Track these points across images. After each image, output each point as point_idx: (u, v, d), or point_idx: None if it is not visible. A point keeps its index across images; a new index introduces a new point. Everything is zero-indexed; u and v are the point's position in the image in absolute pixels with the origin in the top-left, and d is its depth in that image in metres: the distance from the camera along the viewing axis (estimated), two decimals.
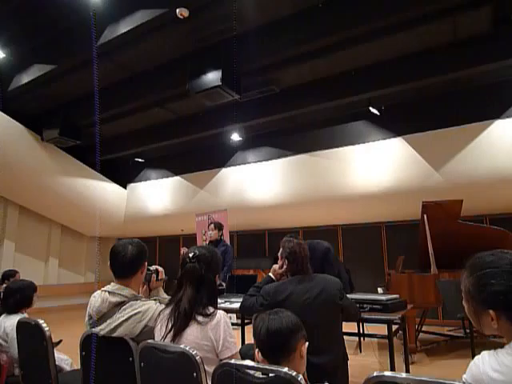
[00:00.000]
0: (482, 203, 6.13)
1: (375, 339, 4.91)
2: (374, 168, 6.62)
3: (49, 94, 6.71)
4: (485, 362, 1.01)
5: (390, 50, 5.20)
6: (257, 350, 1.46)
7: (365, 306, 2.89)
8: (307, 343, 1.47)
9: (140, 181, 9.89)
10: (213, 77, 5.09)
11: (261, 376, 1.28)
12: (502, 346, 1.05)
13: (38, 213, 9.26)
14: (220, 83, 5.02)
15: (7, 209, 8.78)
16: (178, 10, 4.37)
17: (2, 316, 2.67)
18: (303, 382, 1.17)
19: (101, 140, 8.48)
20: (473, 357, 1.06)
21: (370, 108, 6.36)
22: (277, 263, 2.60)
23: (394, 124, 6.60)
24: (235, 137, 7.92)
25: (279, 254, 2.55)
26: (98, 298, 1.93)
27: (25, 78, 6.06)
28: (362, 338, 4.89)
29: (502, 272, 1.06)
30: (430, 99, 6.28)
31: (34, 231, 9.31)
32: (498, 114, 5.76)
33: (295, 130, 7.58)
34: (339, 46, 4.92)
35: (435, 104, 6.29)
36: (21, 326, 2.32)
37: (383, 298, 2.97)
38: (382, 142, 6.66)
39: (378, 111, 6.50)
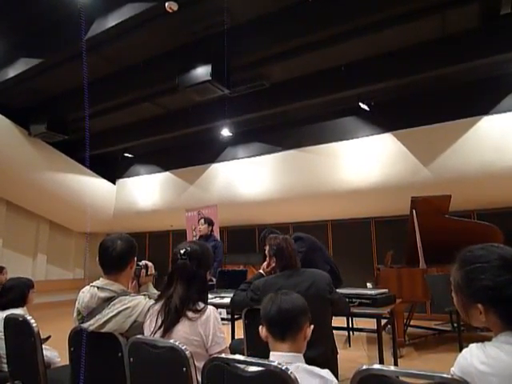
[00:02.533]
0: (470, 198, 6.21)
1: (364, 333, 4.96)
2: (364, 163, 6.66)
3: (36, 89, 6.59)
4: (472, 354, 1.03)
5: (379, 46, 5.22)
6: (261, 326, 1.52)
7: (354, 300, 2.91)
8: (312, 326, 1.51)
9: (129, 176, 9.81)
10: (202, 71, 5.05)
11: (250, 370, 1.29)
12: (489, 339, 1.07)
13: (26, 208, 9.14)
14: (210, 78, 4.98)
15: None
16: (166, 4, 4.32)
17: None
18: (293, 375, 1.18)
19: (89, 135, 8.37)
20: (460, 351, 1.07)
21: (360, 104, 6.39)
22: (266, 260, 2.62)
23: (384, 120, 6.64)
24: (225, 132, 7.89)
25: (266, 252, 2.56)
26: (86, 294, 1.92)
27: (11, 72, 5.95)
28: (351, 332, 4.93)
29: (491, 267, 1.07)
30: (419, 95, 6.33)
31: (21, 227, 9.19)
32: (486, 110, 5.83)
33: (285, 126, 7.58)
34: (329, 41, 4.92)
35: (424, 100, 6.34)
36: (8, 321, 2.29)
37: (372, 292, 3.00)
38: (372, 137, 6.70)
39: (368, 107, 6.53)
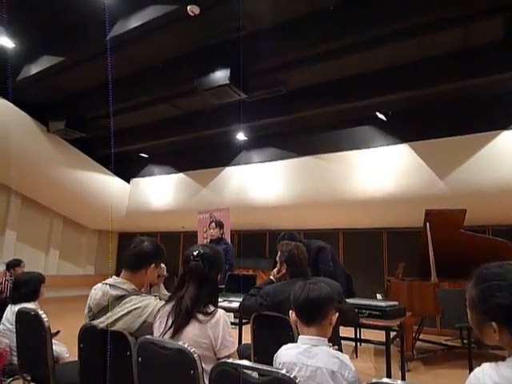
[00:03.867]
0: (486, 214, 6.11)
1: (372, 345, 4.90)
2: (378, 173, 6.61)
3: (56, 86, 6.72)
4: (485, 373, 1.01)
5: (400, 56, 5.19)
6: (291, 311, 1.65)
7: (364, 311, 2.89)
8: (337, 314, 1.63)
9: (143, 176, 9.91)
10: (221, 75, 5.09)
11: (258, 377, 1.29)
12: (501, 358, 1.04)
13: (41, 203, 9.29)
14: (228, 82, 5.02)
15: (10, 198, 8.81)
16: (188, 7, 4.37)
17: (10, 305, 2.70)
18: None
19: (106, 134, 8.49)
20: (470, 367, 1.06)
21: (377, 113, 6.35)
22: (276, 266, 2.62)
23: (400, 130, 6.58)
24: (240, 136, 7.92)
25: (277, 258, 2.56)
26: (98, 291, 1.94)
27: (33, 69, 6.07)
28: (358, 343, 4.88)
29: (507, 285, 1.05)
30: (437, 107, 6.26)
31: (36, 221, 9.34)
32: (505, 124, 5.73)
33: (300, 132, 7.57)
34: (349, 49, 4.91)
35: (442, 112, 6.27)
36: (20, 315, 2.33)
37: (382, 304, 2.96)
38: (388, 147, 6.65)
39: (385, 117, 6.49)
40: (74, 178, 8.53)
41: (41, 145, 7.73)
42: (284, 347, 1.59)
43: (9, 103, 6.94)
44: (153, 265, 2.01)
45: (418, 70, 5.24)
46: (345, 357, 1.50)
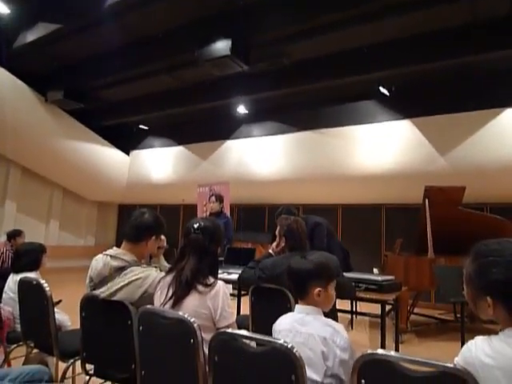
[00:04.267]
0: (485, 191, 6.11)
1: (367, 317, 5.01)
2: (379, 149, 6.58)
3: (54, 55, 6.58)
4: (478, 347, 1.03)
5: (405, 29, 5.06)
6: None
7: (360, 285, 2.94)
8: (332, 283, 1.64)
9: (143, 148, 9.85)
10: (222, 46, 4.98)
11: (257, 346, 1.32)
12: (494, 332, 1.07)
13: (41, 174, 9.27)
14: (229, 53, 4.91)
15: (10, 169, 8.78)
16: None
17: (12, 274, 2.74)
18: (298, 354, 1.20)
19: (105, 105, 8.39)
20: (462, 341, 1.08)
21: (380, 88, 6.25)
22: (275, 239, 2.64)
23: (403, 106, 6.51)
24: (241, 109, 7.83)
25: (277, 232, 2.57)
26: (99, 262, 1.96)
27: (30, 37, 5.93)
28: (354, 316, 4.99)
29: (503, 261, 1.07)
30: (441, 82, 6.16)
31: (36, 192, 9.35)
32: (509, 102, 5.66)
33: (302, 106, 7.48)
34: (353, 21, 4.79)
35: (446, 88, 6.17)
36: (22, 284, 2.37)
37: (379, 278, 3.01)
38: (389, 123, 6.59)
39: (388, 92, 6.40)
40: (72, 149, 8.48)
41: (39, 115, 7.65)
42: (282, 317, 1.63)
43: (5, 71, 6.82)
44: (153, 237, 2.03)
45: (423, 43, 5.12)
46: (338, 325, 1.52)
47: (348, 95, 6.94)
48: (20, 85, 7.18)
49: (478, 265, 1.12)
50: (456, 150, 5.94)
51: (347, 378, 1.39)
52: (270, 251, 2.71)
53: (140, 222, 1.97)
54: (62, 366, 2.24)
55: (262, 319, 2.34)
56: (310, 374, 1.37)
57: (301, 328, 1.50)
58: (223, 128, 8.47)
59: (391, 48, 5.33)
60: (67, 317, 2.80)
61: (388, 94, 6.42)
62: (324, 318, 1.56)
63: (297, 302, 1.65)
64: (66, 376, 2.19)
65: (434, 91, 6.28)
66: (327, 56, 5.80)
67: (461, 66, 5.55)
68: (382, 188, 6.82)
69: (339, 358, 1.43)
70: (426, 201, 4.84)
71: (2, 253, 4.88)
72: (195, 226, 1.78)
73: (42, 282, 2.21)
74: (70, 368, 2.22)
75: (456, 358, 1.07)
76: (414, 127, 6.33)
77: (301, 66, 6.02)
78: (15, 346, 2.49)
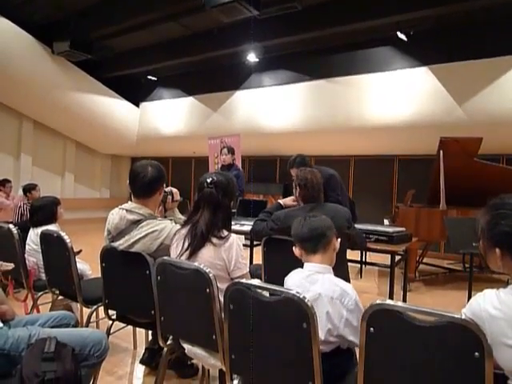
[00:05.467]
0: (502, 142, 5.95)
1: (376, 267, 5.13)
2: (395, 98, 6.37)
3: (58, 3, 6.34)
4: (486, 299, 1.07)
5: None
6: (294, 247, 1.68)
7: (371, 236, 2.98)
8: (339, 239, 1.69)
9: (152, 100, 9.71)
10: None
11: (270, 296, 1.38)
12: (500, 282, 1.10)
13: (52, 128, 9.29)
14: None
15: (22, 123, 8.80)
16: None
17: (31, 228, 2.84)
18: (309, 303, 1.26)
19: (112, 55, 8.18)
20: (469, 290, 1.11)
21: (398, 33, 5.94)
22: (287, 190, 2.66)
23: (421, 52, 6.20)
24: (251, 57, 7.57)
25: (293, 183, 2.57)
26: (115, 216, 2.02)
27: None
28: (363, 266, 5.10)
29: None
30: (462, 27, 5.82)
31: (49, 146, 9.43)
32: None
33: (315, 54, 7.20)
34: None
35: (467, 32, 5.83)
36: (44, 237, 2.47)
37: (389, 229, 3.05)
38: (406, 70, 6.33)
39: (406, 37, 6.07)
40: (81, 101, 8.41)
41: (46, 67, 7.52)
42: (293, 271, 1.67)
43: (11, 23, 6.63)
44: (163, 184, 2.09)
45: None
46: (347, 285, 1.54)
47: (363, 41, 6.62)
48: (26, 36, 7.00)
49: (490, 217, 1.14)
50: (474, 100, 5.72)
51: (355, 339, 1.43)
52: (280, 201, 2.74)
53: (150, 178, 1.99)
54: (85, 311, 2.39)
55: (275, 269, 2.42)
56: None
57: (309, 286, 1.53)
58: (233, 77, 8.25)
59: None
60: (87, 265, 2.93)
61: (406, 39, 6.10)
62: (334, 277, 1.58)
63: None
64: (91, 320, 2.34)
65: (453, 36, 5.95)
66: None
67: (482, 9, 5.21)
68: (396, 139, 6.69)
69: (345, 319, 1.46)
70: (441, 152, 4.74)
71: (20, 206, 5.03)
72: (208, 180, 1.80)
73: (63, 234, 2.30)
74: (94, 313, 2.36)
75: (463, 310, 1.11)
76: (431, 75, 6.07)
77: (314, 10, 5.71)
78: (42, 293, 2.65)
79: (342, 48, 6.89)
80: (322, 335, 1.42)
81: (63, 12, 6.63)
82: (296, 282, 1.58)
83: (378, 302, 1.19)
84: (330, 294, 1.48)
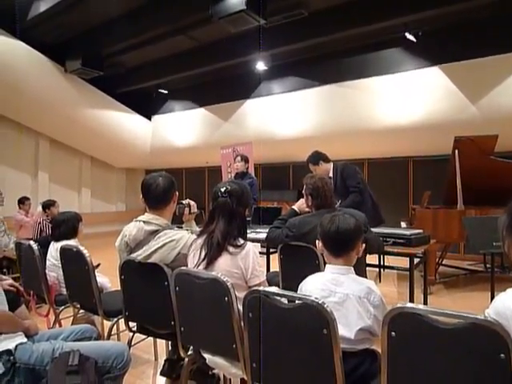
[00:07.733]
0: None
1: (394, 271, 5.06)
2: (406, 99, 6.32)
3: (68, 23, 6.51)
4: (509, 297, 1.05)
5: None
6: (318, 241, 1.69)
7: (388, 239, 2.95)
8: (364, 244, 1.68)
9: (164, 112, 9.85)
10: (237, 0, 4.79)
11: (289, 302, 1.37)
12: None
13: (68, 145, 9.49)
14: (244, 7, 4.76)
15: (39, 141, 9.03)
16: None
17: (52, 242, 2.89)
18: (329, 309, 1.25)
19: (123, 71, 8.34)
20: (492, 291, 1.09)
21: (406, 34, 5.91)
22: (301, 197, 2.66)
23: (431, 52, 6.15)
24: (260, 66, 7.63)
25: (303, 192, 2.58)
26: (133, 228, 2.04)
27: (43, 6, 5.88)
28: (382, 269, 5.04)
29: None
30: (471, 25, 5.76)
31: (65, 163, 9.63)
32: None
33: (323, 59, 7.21)
34: None
35: (477, 30, 5.77)
36: (64, 252, 2.51)
37: (407, 232, 3.02)
38: (416, 71, 6.28)
39: (415, 37, 6.04)
40: (95, 117, 8.58)
41: (60, 86, 7.71)
42: (311, 276, 1.67)
43: (24, 44, 6.83)
44: (176, 192, 2.12)
45: None
46: (371, 283, 1.57)
47: (371, 44, 6.61)
48: (39, 56, 7.20)
49: (510, 216, 1.12)
50: (487, 97, 5.63)
51: (378, 330, 1.44)
52: (295, 208, 2.74)
53: (163, 188, 2.03)
54: (106, 324, 2.42)
55: (292, 276, 2.41)
56: (343, 332, 1.42)
57: (336, 288, 1.54)
58: (243, 87, 8.31)
59: None
60: (107, 278, 2.96)
61: (415, 40, 6.06)
62: (356, 276, 1.60)
63: (325, 262, 1.68)
64: (112, 333, 2.36)
65: (463, 35, 5.89)
66: (348, 3, 5.49)
67: (492, 6, 5.15)
68: (410, 140, 6.63)
69: (373, 315, 1.49)
70: (456, 152, 4.68)
71: (39, 223, 5.13)
72: (222, 189, 1.81)
73: (82, 248, 2.34)
74: (115, 326, 2.38)
75: (487, 310, 1.09)
76: (442, 74, 6.01)
77: (320, 15, 5.73)
78: (63, 307, 2.69)
79: (350, 52, 6.88)
80: (351, 335, 1.46)
81: (74, 31, 6.81)
82: (319, 286, 1.58)
83: (398, 305, 1.18)
84: (357, 294, 1.51)
